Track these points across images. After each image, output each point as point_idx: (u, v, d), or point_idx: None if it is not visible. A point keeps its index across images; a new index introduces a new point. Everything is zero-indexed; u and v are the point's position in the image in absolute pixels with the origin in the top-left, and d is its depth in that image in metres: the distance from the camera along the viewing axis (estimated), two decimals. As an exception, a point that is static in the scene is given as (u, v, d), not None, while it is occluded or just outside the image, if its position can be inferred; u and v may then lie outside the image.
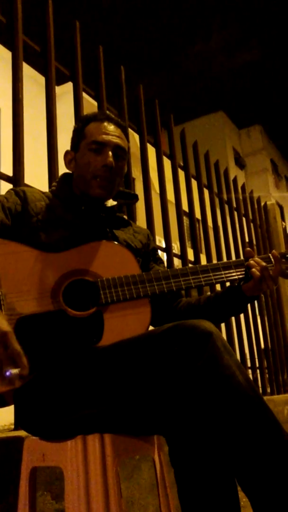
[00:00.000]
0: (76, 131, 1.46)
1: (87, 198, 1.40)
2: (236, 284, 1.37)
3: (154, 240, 2.53)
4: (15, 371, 0.97)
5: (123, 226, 1.48)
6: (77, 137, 1.45)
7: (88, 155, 1.39)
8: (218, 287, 1.96)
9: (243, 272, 1.34)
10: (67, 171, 1.49)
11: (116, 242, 1.35)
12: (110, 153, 1.37)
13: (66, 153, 1.48)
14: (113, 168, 1.37)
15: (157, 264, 1.52)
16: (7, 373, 0.96)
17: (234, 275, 1.34)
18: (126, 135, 1.48)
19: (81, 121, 1.47)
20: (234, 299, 1.37)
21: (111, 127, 1.42)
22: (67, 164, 1.47)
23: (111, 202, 1.47)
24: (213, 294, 1.43)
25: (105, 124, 1.42)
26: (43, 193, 1.44)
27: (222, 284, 1.39)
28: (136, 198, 1.58)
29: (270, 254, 1.36)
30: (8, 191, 1.39)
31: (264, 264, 1.32)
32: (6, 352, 0.98)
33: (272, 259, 1.35)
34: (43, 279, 1.22)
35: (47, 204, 1.38)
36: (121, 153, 1.41)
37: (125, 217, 1.53)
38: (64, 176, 1.48)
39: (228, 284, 1.65)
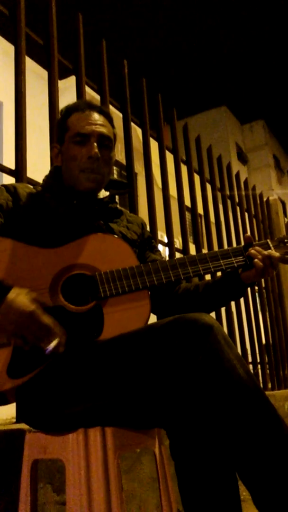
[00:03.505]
0: (59, 124, 1.43)
1: (78, 192, 1.38)
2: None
3: (155, 229, 2.54)
4: (53, 343, 1.06)
5: (116, 217, 1.46)
6: (60, 130, 1.41)
7: (72, 148, 1.36)
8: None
9: (242, 260, 1.33)
10: None
11: (112, 235, 1.34)
12: (94, 143, 1.34)
13: (52, 146, 1.46)
14: (100, 159, 1.35)
15: (153, 253, 1.51)
16: (47, 350, 1.05)
17: (233, 263, 1.32)
18: (111, 121, 1.43)
19: (63, 112, 1.43)
20: (232, 286, 1.37)
21: (94, 116, 1.38)
22: (54, 158, 1.45)
23: (103, 193, 1.45)
24: (211, 281, 1.43)
25: (87, 113, 1.38)
26: (34, 187, 1.43)
27: (222, 272, 1.39)
28: (128, 187, 1.55)
29: (268, 240, 1.36)
30: None
31: (266, 253, 1.31)
32: (39, 329, 1.06)
33: (271, 245, 1.35)
34: (40, 275, 1.22)
35: (39, 199, 1.36)
36: (107, 142, 1.38)
37: (118, 206, 1.50)
38: (54, 170, 1.45)
39: None
